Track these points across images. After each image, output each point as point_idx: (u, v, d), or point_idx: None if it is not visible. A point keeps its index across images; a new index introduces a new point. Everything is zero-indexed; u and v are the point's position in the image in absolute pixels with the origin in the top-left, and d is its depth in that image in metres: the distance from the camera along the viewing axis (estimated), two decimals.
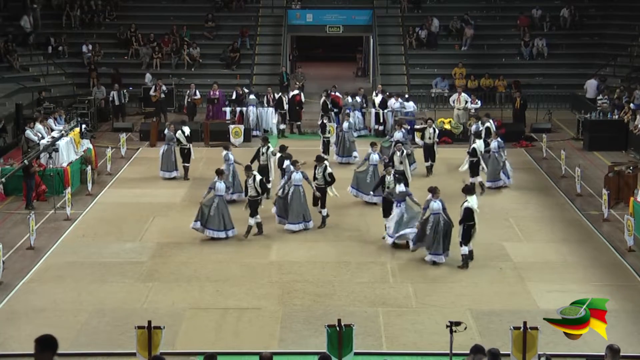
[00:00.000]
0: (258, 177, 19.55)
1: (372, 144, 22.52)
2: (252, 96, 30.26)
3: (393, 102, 29.68)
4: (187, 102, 32.04)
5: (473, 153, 22.86)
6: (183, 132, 24.49)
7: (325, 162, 20.66)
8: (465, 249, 17.59)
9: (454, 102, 30.65)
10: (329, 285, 16.81)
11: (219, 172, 19.56)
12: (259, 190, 19.51)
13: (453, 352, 11.55)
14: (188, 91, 32.29)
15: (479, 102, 30.81)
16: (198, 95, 32.11)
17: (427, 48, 37.48)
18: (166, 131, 24.77)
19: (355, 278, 17.19)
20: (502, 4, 39.36)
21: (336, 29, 38.06)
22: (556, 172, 25.22)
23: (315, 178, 20.28)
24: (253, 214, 19.49)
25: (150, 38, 36.94)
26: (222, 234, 19.21)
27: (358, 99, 30.01)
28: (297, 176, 19.81)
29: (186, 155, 24.47)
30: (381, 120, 29.71)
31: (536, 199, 22.60)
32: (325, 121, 26.47)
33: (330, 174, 20.38)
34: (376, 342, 14.37)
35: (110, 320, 15.16)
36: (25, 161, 21.91)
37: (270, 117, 30.46)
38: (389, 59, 36.83)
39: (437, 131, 24.86)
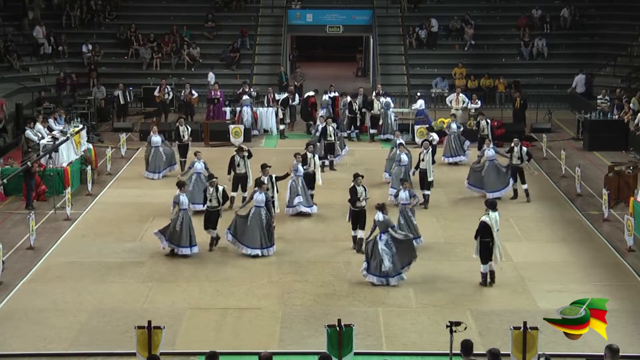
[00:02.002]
0: (221, 188, 18.79)
1: (400, 145, 22.42)
2: (245, 96, 30.23)
3: (382, 100, 29.60)
4: (182, 102, 32.12)
5: (530, 156, 22.55)
6: (187, 129, 24.70)
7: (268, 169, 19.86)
8: (484, 267, 16.67)
9: (450, 102, 30.54)
10: (329, 285, 16.81)
11: (181, 185, 18.66)
12: (221, 201, 18.80)
13: (453, 352, 11.55)
14: (183, 91, 32.32)
15: (479, 102, 30.77)
16: (195, 95, 32.09)
17: (427, 48, 37.50)
18: (151, 134, 24.80)
19: (355, 278, 17.17)
20: (502, 4, 39.38)
21: (336, 29, 38.07)
22: (556, 172, 25.22)
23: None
24: (212, 225, 18.69)
25: (150, 38, 36.95)
26: (188, 250, 18.26)
27: (348, 98, 29.93)
28: (259, 197, 18.37)
29: (185, 151, 24.61)
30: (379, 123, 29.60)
31: (536, 199, 22.57)
32: (326, 125, 26.07)
33: (276, 177, 19.98)
34: (376, 342, 14.37)
35: (110, 320, 15.17)
36: (29, 163, 21.86)
37: (271, 117, 30.49)
38: (389, 59, 36.84)
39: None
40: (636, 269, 17.63)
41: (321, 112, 29.19)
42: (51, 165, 22.95)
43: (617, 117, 28.73)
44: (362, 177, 19.07)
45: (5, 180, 22.09)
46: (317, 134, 26.04)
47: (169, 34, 37.09)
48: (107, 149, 25.97)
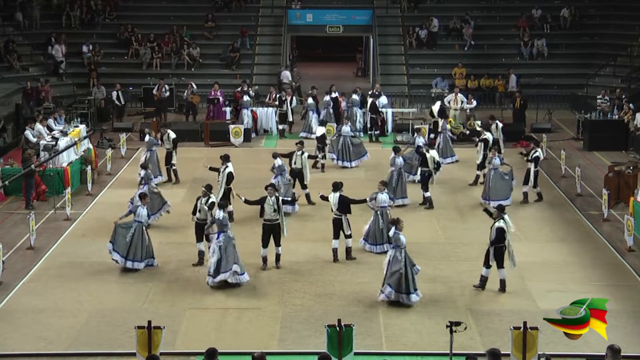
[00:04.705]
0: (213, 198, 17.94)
1: (395, 149, 22.23)
2: (246, 97, 30.19)
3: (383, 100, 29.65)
4: (184, 102, 32.13)
5: (536, 162, 22.09)
6: (169, 136, 24.15)
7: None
8: (485, 271, 16.46)
9: (449, 102, 30.50)
10: (329, 285, 16.82)
11: (142, 197, 18.01)
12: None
13: (453, 352, 11.55)
14: (186, 91, 32.30)
15: (475, 102, 30.71)
16: (195, 88, 32.07)
17: (427, 48, 37.49)
18: (147, 137, 24.29)
19: (355, 278, 17.19)
20: (502, 4, 39.37)
21: (336, 29, 38.04)
22: (556, 172, 25.22)
23: (275, 209, 17.58)
24: (199, 239, 17.96)
25: (150, 38, 36.95)
26: (142, 265, 17.47)
27: (355, 97, 29.92)
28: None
29: (169, 159, 24.19)
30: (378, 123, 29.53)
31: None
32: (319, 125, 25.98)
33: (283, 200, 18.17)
34: (376, 342, 14.38)
35: (110, 320, 15.18)
36: (33, 166, 21.81)
37: (271, 117, 30.48)
38: (389, 59, 36.84)
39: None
40: (636, 269, 17.64)
41: (322, 114, 29.21)
42: (51, 165, 22.96)
43: (617, 117, 28.74)
44: (341, 183, 18.54)
45: (7, 182, 22.09)
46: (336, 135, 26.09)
47: (169, 34, 37.09)
48: (107, 149, 25.97)
